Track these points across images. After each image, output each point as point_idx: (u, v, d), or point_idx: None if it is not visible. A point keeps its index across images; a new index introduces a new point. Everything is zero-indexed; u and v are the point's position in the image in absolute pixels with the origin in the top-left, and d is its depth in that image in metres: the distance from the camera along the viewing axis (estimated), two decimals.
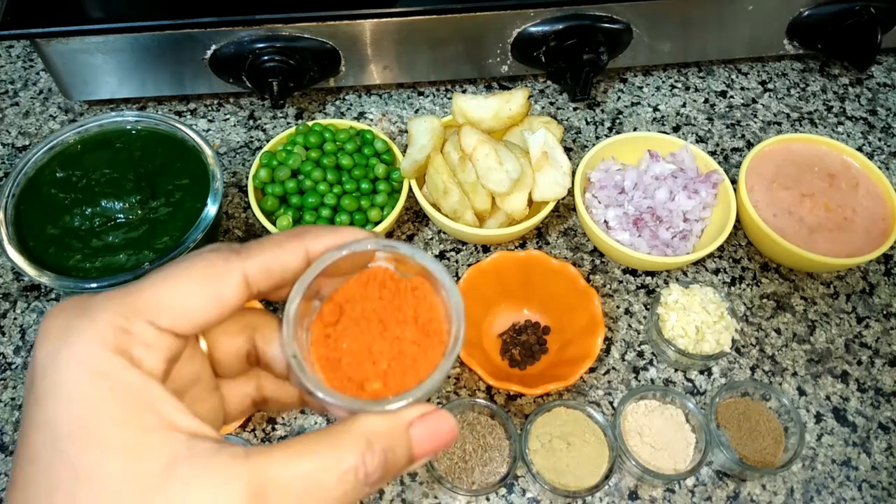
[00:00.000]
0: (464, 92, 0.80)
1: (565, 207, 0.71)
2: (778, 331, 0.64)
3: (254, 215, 0.65)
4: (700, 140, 0.76)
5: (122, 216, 0.58)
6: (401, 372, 0.26)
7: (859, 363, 0.62)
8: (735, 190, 0.65)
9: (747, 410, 0.57)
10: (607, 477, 0.52)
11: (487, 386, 0.60)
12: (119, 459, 0.21)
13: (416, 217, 0.70)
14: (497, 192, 0.60)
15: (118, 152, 0.62)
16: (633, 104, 0.79)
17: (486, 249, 0.68)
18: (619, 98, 0.80)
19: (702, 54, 0.80)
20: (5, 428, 0.58)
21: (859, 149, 0.76)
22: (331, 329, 0.27)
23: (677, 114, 0.79)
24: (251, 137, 0.75)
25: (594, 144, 0.70)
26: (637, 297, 0.65)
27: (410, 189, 0.64)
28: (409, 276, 0.28)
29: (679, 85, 0.81)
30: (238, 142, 0.75)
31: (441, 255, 0.67)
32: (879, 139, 0.77)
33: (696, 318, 0.59)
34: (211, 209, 0.59)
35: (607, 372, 0.61)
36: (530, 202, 0.62)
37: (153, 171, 0.61)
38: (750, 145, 0.76)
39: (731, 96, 0.80)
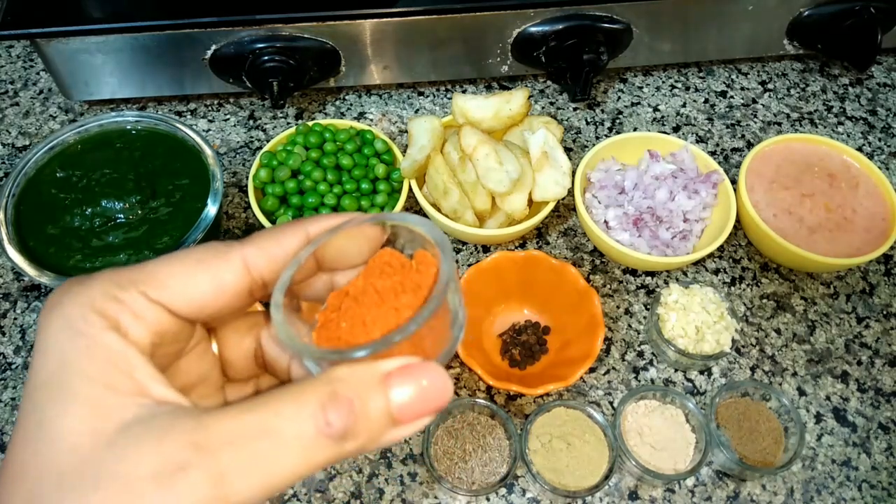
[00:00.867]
0: (464, 92, 0.80)
1: (565, 207, 0.71)
2: (778, 331, 0.64)
3: (254, 215, 0.65)
4: (700, 140, 0.76)
5: (122, 216, 0.58)
6: None
7: (859, 363, 0.62)
8: (735, 190, 0.65)
9: (747, 410, 0.57)
10: (607, 477, 0.52)
11: (487, 386, 0.60)
12: (81, 413, 0.21)
13: None
14: (497, 192, 0.60)
15: (118, 152, 0.62)
16: (633, 104, 0.79)
17: (486, 249, 0.68)
18: (619, 98, 0.80)
19: (702, 54, 0.80)
20: (5, 428, 0.58)
21: (859, 149, 0.76)
22: (333, 314, 0.26)
23: (677, 114, 0.79)
24: (251, 137, 0.75)
25: (594, 144, 0.70)
26: (637, 297, 0.65)
27: (410, 189, 0.64)
28: (415, 251, 0.27)
29: (679, 85, 0.81)
30: (238, 142, 0.75)
31: None
32: (879, 139, 0.77)
33: (696, 318, 0.59)
34: (211, 209, 0.59)
35: (607, 372, 0.61)
36: (530, 202, 0.62)
37: (153, 171, 0.61)
38: (750, 145, 0.76)
39: (731, 96, 0.80)
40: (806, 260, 0.61)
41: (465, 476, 0.53)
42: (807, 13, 0.74)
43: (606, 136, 0.76)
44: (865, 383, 0.61)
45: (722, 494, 0.55)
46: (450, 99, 0.78)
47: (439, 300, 0.24)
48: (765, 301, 0.65)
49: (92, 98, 0.74)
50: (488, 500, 0.55)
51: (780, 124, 0.78)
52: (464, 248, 0.68)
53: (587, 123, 0.77)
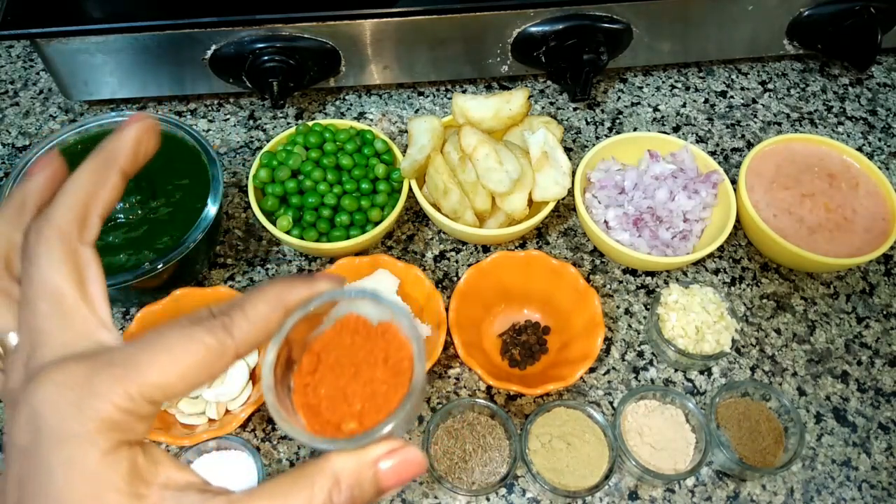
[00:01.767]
0: (464, 92, 0.80)
1: (565, 207, 0.71)
2: (778, 331, 0.64)
3: (254, 215, 0.65)
4: (700, 140, 0.76)
5: (122, 216, 0.58)
6: (374, 411, 0.27)
7: (859, 363, 0.62)
8: (735, 190, 0.65)
9: (747, 410, 0.57)
10: (607, 477, 0.52)
11: (487, 386, 0.60)
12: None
13: (416, 217, 0.70)
14: (497, 192, 0.60)
15: None
16: (633, 104, 0.79)
17: (486, 249, 0.68)
18: (619, 98, 0.80)
19: (702, 54, 0.80)
20: (5, 428, 0.57)
21: (859, 149, 0.76)
22: (309, 378, 0.29)
23: (677, 114, 0.79)
24: (251, 137, 0.75)
25: (594, 144, 0.70)
26: (637, 297, 0.65)
27: (410, 189, 0.64)
28: (381, 321, 0.29)
29: (679, 85, 0.81)
30: (238, 142, 0.75)
31: (441, 255, 0.67)
32: (879, 139, 0.77)
33: (696, 318, 0.59)
34: (211, 209, 0.59)
35: (607, 372, 0.61)
36: (530, 202, 0.62)
37: (153, 171, 0.61)
38: (750, 145, 0.76)
39: (731, 96, 0.80)
40: (806, 260, 0.61)
41: (465, 476, 0.53)
42: (807, 13, 0.74)
43: (606, 136, 0.76)
44: (865, 383, 0.61)
45: (722, 494, 0.55)
46: (450, 99, 0.78)
47: (418, 398, 0.27)
48: (765, 301, 0.65)
49: (92, 98, 0.75)
50: (488, 500, 0.55)
51: (780, 124, 0.78)
52: (464, 248, 0.68)
53: (587, 123, 0.77)
